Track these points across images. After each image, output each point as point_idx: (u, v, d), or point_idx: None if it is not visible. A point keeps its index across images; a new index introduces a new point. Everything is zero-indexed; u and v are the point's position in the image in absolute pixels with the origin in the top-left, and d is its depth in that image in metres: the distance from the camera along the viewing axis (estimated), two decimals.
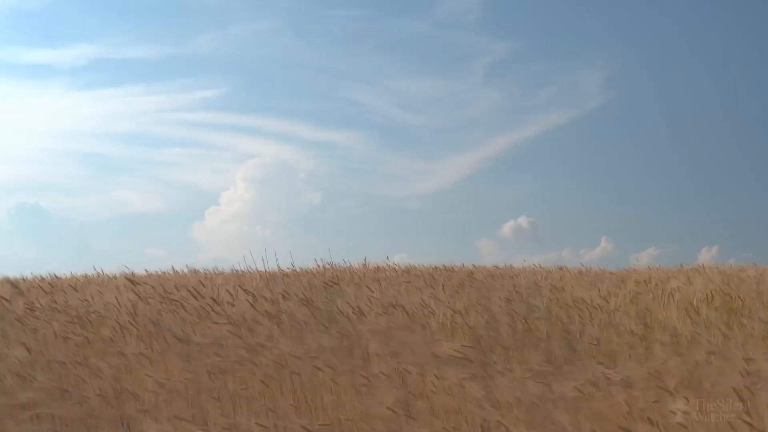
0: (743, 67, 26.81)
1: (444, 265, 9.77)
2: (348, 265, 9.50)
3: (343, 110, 29.24)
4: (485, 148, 28.85)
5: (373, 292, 5.89)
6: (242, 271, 8.83)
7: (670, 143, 27.35)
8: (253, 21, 28.69)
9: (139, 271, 9.63)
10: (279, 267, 8.53)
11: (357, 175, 28.82)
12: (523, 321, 5.10)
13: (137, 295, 5.49)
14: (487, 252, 24.14)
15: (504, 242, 23.13)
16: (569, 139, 28.22)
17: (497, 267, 10.61)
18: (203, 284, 6.77)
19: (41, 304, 5.55)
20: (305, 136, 30.06)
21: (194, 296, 5.16)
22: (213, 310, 4.81)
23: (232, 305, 5.08)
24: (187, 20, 29.00)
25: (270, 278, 7.84)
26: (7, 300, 5.37)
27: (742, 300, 6.02)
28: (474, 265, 10.35)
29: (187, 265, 10.09)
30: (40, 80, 29.98)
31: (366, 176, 28.63)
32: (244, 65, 30.04)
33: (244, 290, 5.41)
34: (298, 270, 8.90)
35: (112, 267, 10.18)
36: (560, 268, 10.50)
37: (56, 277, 9.46)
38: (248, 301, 4.99)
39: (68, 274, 10.01)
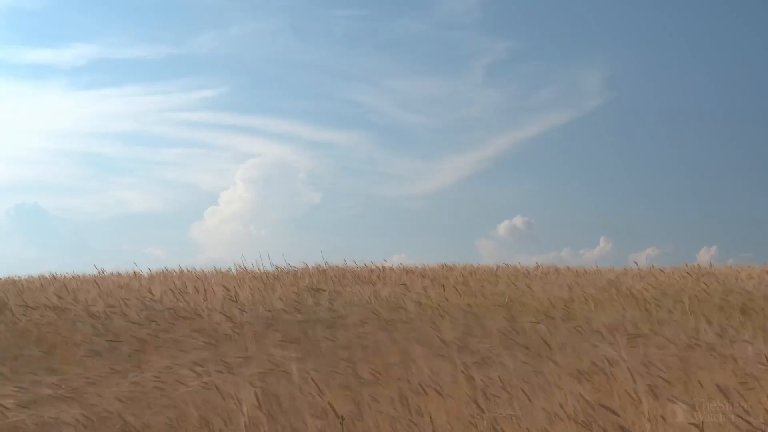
0: (743, 67, 26.88)
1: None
2: None
3: (343, 110, 29.33)
4: (485, 148, 28.93)
5: None
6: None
7: (670, 143, 27.42)
8: (253, 21, 28.78)
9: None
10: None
11: (357, 175, 28.89)
12: None
13: None
14: (486, 252, 24.15)
15: (503, 242, 23.15)
16: (569, 139, 28.32)
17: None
18: None
19: None
20: (305, 136, 30.14)
21: None
22: None
23: None
24: (187, 20, 29.10)
25: None
26: None
27: None
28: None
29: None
30: (40, 80, 30.09)
31: (366, 176, 28.71)
32: (243, 65, 30.13)
33: None
34: None
35: (114, 267, 10.17)
36: None
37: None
38: None
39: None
